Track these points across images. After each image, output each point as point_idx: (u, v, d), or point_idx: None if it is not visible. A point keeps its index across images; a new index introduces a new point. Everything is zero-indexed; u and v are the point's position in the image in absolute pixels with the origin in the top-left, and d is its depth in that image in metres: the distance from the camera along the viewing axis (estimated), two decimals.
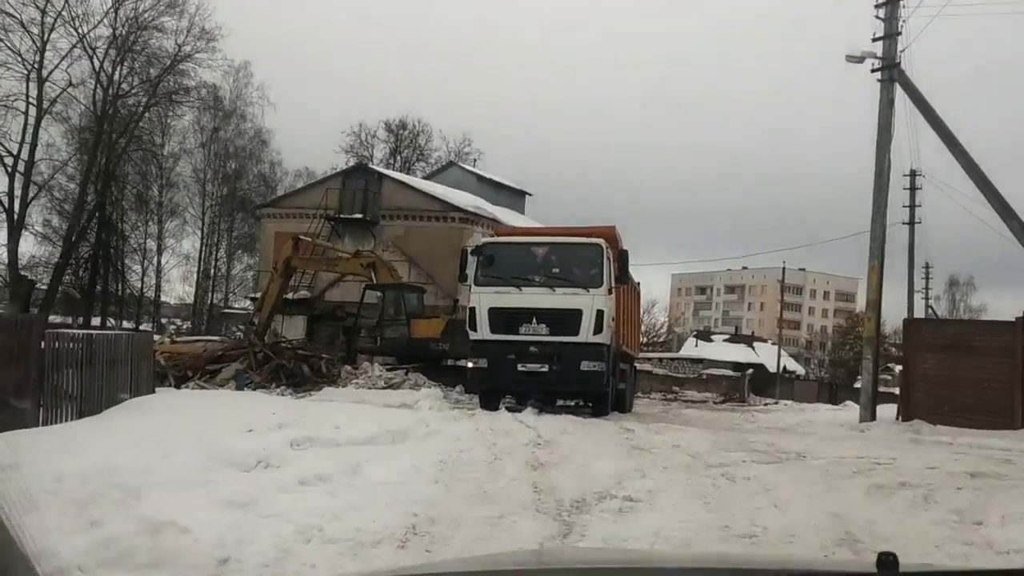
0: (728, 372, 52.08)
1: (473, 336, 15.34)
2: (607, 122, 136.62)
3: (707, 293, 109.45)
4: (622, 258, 15.40)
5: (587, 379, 14.80)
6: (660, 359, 56.73)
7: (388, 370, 21.47)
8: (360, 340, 24.65)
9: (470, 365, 15.35)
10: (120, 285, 49.90)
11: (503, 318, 15.11)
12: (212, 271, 55.13)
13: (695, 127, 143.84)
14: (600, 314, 14.79)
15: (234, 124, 54.32)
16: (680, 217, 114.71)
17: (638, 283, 21.35)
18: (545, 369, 14.87)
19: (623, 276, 15.38)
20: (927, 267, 50.10)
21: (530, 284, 15.15)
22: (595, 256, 15.22)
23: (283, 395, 17.97)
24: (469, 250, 15.83)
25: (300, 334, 29.73)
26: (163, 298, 56.90)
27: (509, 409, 15.57)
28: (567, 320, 14.93)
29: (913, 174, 29.94)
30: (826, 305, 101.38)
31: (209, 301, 54.68)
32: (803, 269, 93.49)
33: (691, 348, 62.46)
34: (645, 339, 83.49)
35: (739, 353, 60.09)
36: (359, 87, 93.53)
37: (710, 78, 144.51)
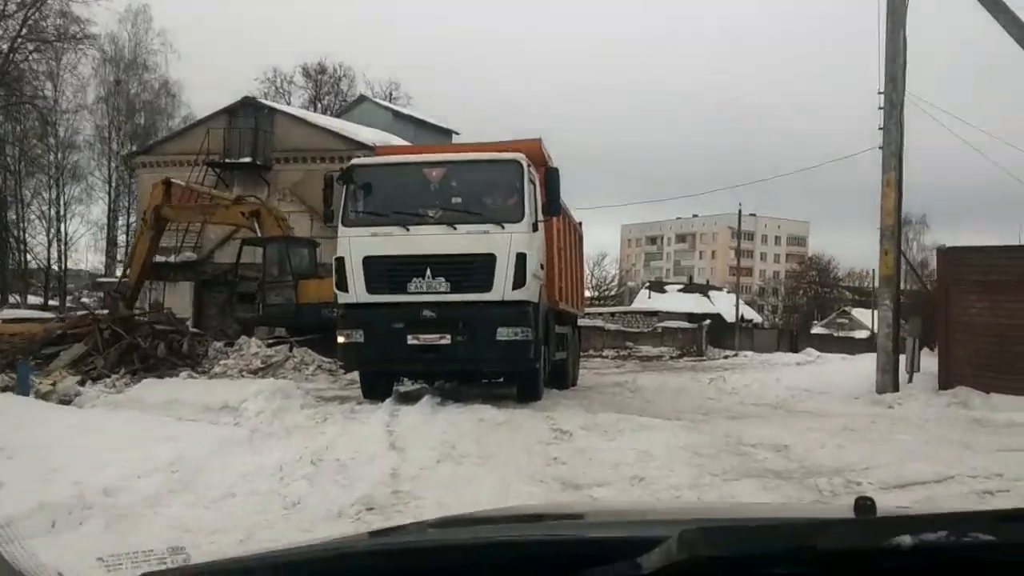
0: (684, 324, 48.07)
1: (343, 298, 10.66)
2: (551, 69, 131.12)
3: (658, 243, 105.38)
4: (551, 180, 10.75)
5: (506, 352, 10.22)
6: (612, 314, 52.53)
7: (268, 345, 16.71)
8: (239, 308, 19.77)
9: (340, 339, 10.67)
10: (21, 257, 44.42)
11: (384, 271, 10.45)
12: (124, 238, 49.39)
13: (644, 70, 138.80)
14: (521, 260, 10.20)
15: (137, 76, 48.51)
16: (629, 164, 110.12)
17: (580, 223, 16.79)
18: (447, 341, 10.26)
19: (553, 205, 10.73)
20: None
21: (421, 221, 10.49)
22: (512, 178, 10.57)
23: (113, 388, 13.18)
24: (335, 177, 11.08)
25: (187, 303, 24.77)
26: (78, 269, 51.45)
27: (406, 397, 11.02)
28: (475, 270, 10.33)
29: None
30: (778, 250, 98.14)
31: (123, 272, 49.09)
32: (753, 214, 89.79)
33: (644, 300, 58.37)
34: (595, 293, 79.48)
35: (694, 303, 56.22)
36: (273, 32, 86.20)
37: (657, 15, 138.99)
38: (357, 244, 10.46)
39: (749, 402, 12.17)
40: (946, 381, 10.75)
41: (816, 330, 65.11)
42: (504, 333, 10.16)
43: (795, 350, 50.01)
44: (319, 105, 45.29)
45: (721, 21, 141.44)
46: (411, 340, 10.28)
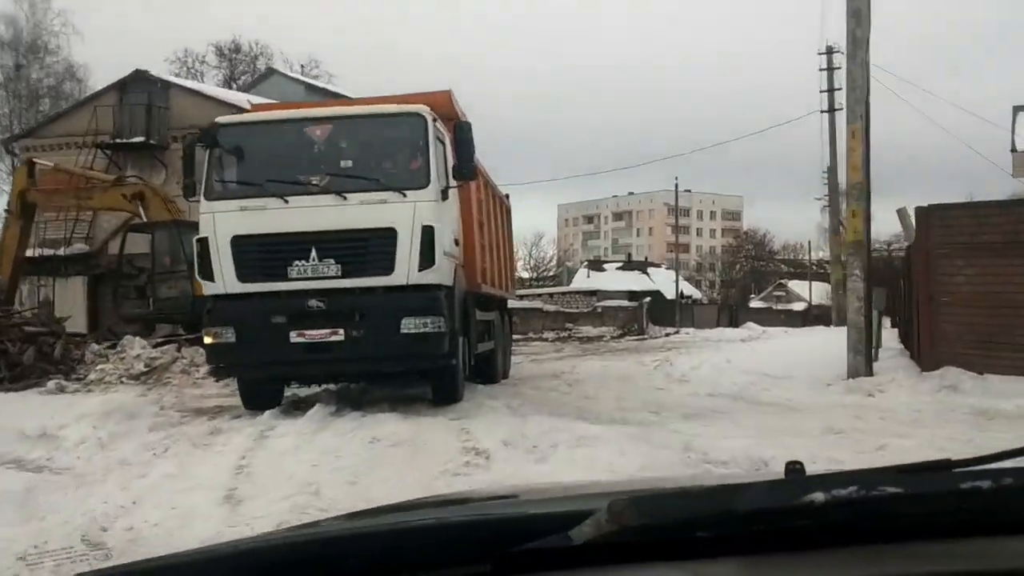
0: (624, 303, 46.62)
1: (209, 288, 8.54)
2: (474, 43, 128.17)
3: (595, 222, 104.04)
4: (462, 137, 8.71)
5: (414, 347, 8.23)
6: (551, 295, 50.88)
7: (155, 346, 14.44)
8: (128, 304, 17.36)
9: (207, 340, 8.53)
10: None
11: (258, 254, 8.36)
12: None
13: (564, 46, 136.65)
14: (428, 234, 8.21)
15: (39, 60, 44.93)
16: (563, 143, 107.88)
17: (507, 196, 14.85)
18: (339, 337, 8.22)
19: (466, 167, 8.70)
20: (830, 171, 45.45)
21: (304, 191, 8.41)
22: (415, 135, 8.55)
23: None
24: (196, 140, 8.93)
25: (80, 300, 22.19)
26: None
27: (299, 404, 9.01)
28: (371, 249, 8.31)
29: (830, 52, 24.18)
30: (713, 225, 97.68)
31: None
32: (689, 190, 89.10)
33: (583, 280, 56.79)
34: (534, 274, 77.77)
35: (633, 281, 54.84)
36: (190, 9, 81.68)
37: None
38: (224, 221, 8.34)
39: (703, 392, 10.43)
40: (931, 361, 9.09)
41: (755, 304, 64.47)
42: (410, 324, 8.19)
43: (736, 325, 48.98)
44: (235, 86, 42.41)
45: None
46: (295, 337, 8.22)
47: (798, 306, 62.71)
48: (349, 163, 8.65)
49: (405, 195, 8.30)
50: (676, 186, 47.57)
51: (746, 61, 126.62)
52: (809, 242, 64.59)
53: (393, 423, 7.22)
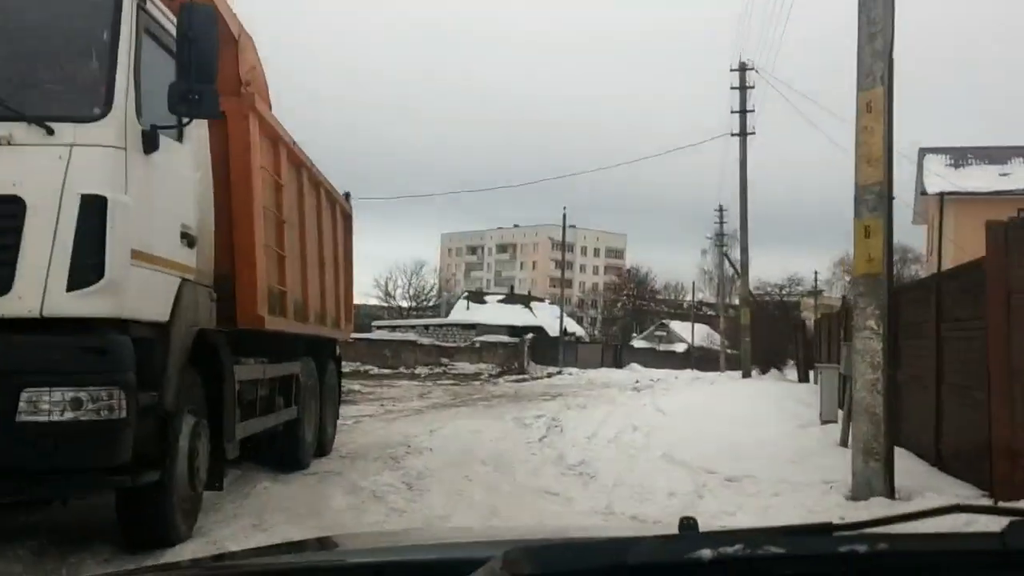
0: (504, 338, 42.68)
1: None
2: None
3: (478, 253, 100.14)
4: (195, 29, 4.34)
5: (48, 455, 3.78)
6: (427, 326, 46.42)
7: None
8: None
9: None
10: None
11: None
12: None
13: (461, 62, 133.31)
14: (94, 213, 3.82)
15: None
16: (446, 172, 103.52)
17: (346, 194, 10.47)
18: None
19: (200, 87, 4.32)
20: (721, 210, 42.91)
21: None
22: (93, 15, 4.17)
23: None
24: None
25: None
26: None
27: None
28: None
29: (743, 68, 21.00)
30: (597, 262, 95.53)
31: None
32: (573, 225, 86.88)
33: (463, 312, 52.64)
34: (412, 303, 73.02)
35: (515, 315, 51.08)
36: None
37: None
38: None
39: (626, 509, 6.28)
40: (1011, 485, 5.19)
41: (637, 343, 61.90)
42: (38, 404, 3.72)
43: (620, 365, 45.89)
44: None
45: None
46: None
47: (680, 347, 60.49)
48: None
49: (52, 131, 3.87)
50: (564, 216, 44.28)
51: (645, 90, 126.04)
52: (693, 283, 62.67)
53: None
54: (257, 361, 6.21)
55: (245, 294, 5.91)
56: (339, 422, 11.92)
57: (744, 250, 22.94)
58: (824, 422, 10.56)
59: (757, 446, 8.85)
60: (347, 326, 10.18)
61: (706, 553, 0.87)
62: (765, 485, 6.75)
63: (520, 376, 36.01)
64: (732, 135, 21.50)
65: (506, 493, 6.76)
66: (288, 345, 7.36)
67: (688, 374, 35.52)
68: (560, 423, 12.62)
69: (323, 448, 8.64)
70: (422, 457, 8.52)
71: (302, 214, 7.73)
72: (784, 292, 41.49)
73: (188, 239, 4.66)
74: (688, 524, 1.07)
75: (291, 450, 7.47)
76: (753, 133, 22.11)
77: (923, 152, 27.02)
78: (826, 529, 0.99)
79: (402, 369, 37.84)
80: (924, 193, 24.95)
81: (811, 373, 21.37)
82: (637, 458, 8.73)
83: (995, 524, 0.96)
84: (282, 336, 7.01)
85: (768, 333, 26.63)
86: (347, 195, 10.38)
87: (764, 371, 25.82)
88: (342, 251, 9.93)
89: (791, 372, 25.61)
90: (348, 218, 10.36)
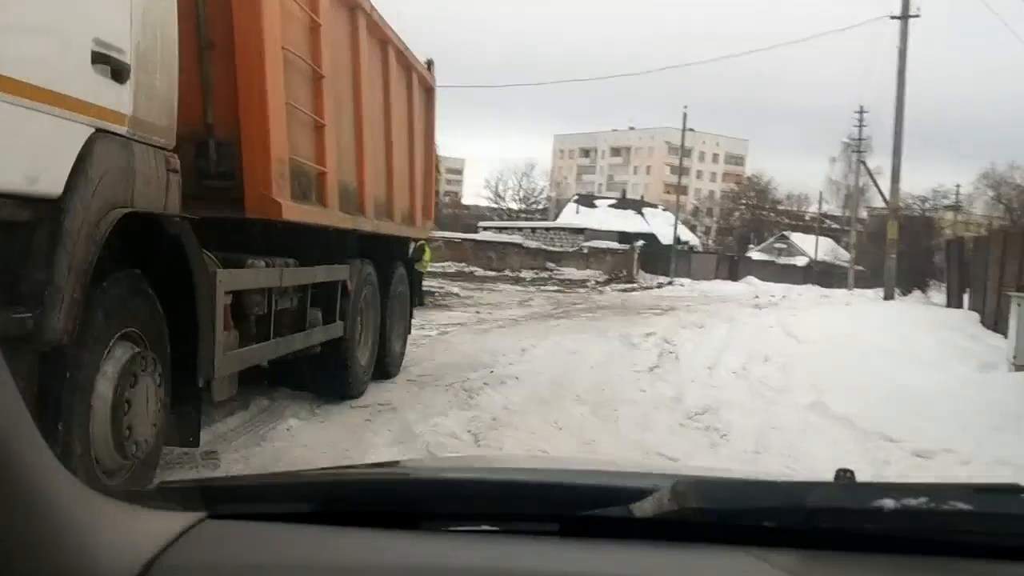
0: (614, 245, 40.57)
1: None
2: None
3: (591, 156, 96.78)
4: None
5: None
6: (534, 229, 44.60)
7: None
8: None
9: None
10: None
11: None
12: None
13: None
14: None
15: None
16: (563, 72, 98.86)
17: (428, 62, 8.61)
18: None
19: None
20: (861, 111, 38.89)
21: None
22: None
23: None
24: None
25: None
26: None
27: None
28: None
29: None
30: (715, 168, 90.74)
31: None
32: (692, 129, 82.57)
33: (572, 216, 50.59)
34: (521, 205, 71.25)
35: (626, 221, 48.60)
36: None
37: None
38: None
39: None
40: None
41: (755, 255, 58.42)
42: None
43: (735, 278, 43.17)
44: None
45: None
46: None
47: (800, 261, 56.80)
48: None
49: None
50: (684, 116, 41.23)
51: None
52: (820, 193, 58.12)
53: None
54: (272, 263, 4.54)
55: (253, 169, 4.21)
56: (423, 332, 10.43)
57: (896, 152, 19.83)
58: (1018, 368, 8.28)
59: (936, 397, 6.76)
60: (425, 222, 8.45)
61: (888, 503, 0.84)
62: (976, 468, 4.74)
63: (628, 285, 34.03)
64: (892, 18, 18.22)
65: (605, 455, 4.98)
66: (333, 244, 5.69)
67: (812, 291, 32.72)
68: (674, 347, 10.77)
69: (387, 370, 7.08)
70: (504, 389, 6.84)
71: (356, 73, 5.92)
72: (928, 206, 37.51)
73: (112, 66, 2.91)
74: (845, 476, 0.99)
75: (336, 377, 5.90)
76: (918, 15, 18.70)
77: None
78: (1018, 490, 0.90)
79: (507, 272, 36.43)
80: None
81: (964, 297, 18.62)
82: (777, 405, 6.80)
83: None
84: (321, 232, 5.32)
85: (911, 250, 23.63)
86: (429, 63, 8.50)
87: (905, 293, 23.01)
88: (421, 130, 8.12)
89: (936, 295, 22.71)
90: (430, 91, 8.51)
